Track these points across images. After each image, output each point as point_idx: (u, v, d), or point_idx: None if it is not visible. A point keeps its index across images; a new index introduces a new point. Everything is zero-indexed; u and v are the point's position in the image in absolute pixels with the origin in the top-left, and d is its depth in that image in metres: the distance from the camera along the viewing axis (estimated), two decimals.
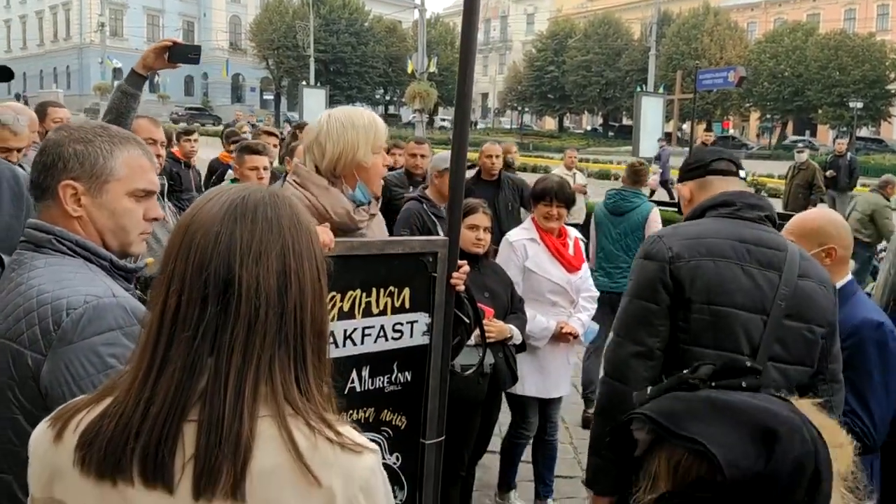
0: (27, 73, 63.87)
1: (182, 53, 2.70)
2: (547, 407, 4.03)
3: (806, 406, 0.98)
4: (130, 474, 0.97)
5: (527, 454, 4.15)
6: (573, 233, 4.10)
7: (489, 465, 4.31)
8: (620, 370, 2.18)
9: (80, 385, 1.37)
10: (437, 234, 3.76)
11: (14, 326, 1.44)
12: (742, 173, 2.38)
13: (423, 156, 5.61)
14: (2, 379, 1.46)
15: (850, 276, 2.61)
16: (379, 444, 2.19)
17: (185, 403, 0.98)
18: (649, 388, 1.03)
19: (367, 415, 2.28)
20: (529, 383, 3.78)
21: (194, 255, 1.00)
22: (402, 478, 2.39)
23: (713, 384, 1.00)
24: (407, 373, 2.36)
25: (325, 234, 2.04)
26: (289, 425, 0.98)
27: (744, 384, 1.00)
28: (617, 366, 2.20)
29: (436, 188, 4.45)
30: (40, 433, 1.06)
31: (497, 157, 5.84)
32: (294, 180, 2.35)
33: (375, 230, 2.50)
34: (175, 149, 6.83)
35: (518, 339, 3.53)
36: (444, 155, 5.00)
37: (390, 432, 2.35)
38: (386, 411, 2.33)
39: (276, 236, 1.03)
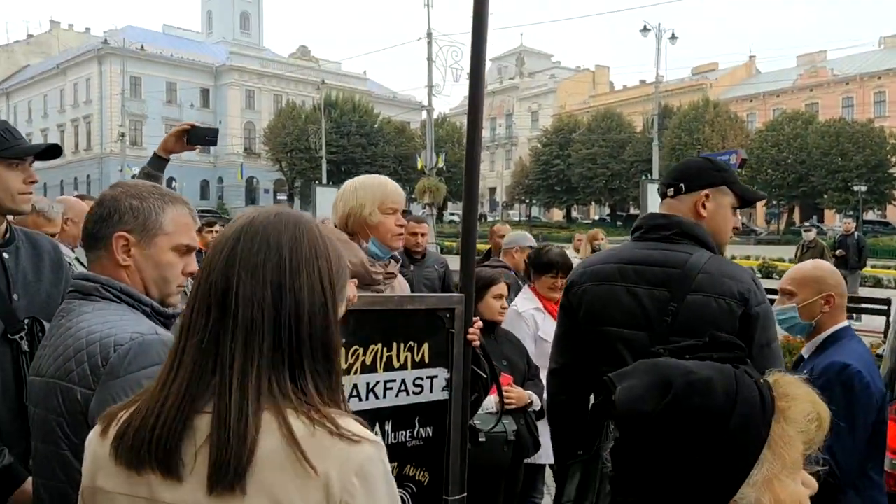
0: (48, 183, 65.51)
1: (200, 136, 2.86)
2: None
3: (787, 379, 1.06)
4: (149, 464, 1.07)
5: None
6: None
7: None
8: (547, 383, 2.60)
9: None
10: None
11: (64, 366, 1.54)
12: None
13: (423, 234, 5.74)
14: (51, 416, 1.55)
15: (845, 323, 2.69)
16: (403, 501, 2.22)
17: (192, 400, 1.08)
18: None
19: (391, 470, 2.32)
20: (548, 450, 3.78)
21: (205, 270, 1.14)
22: None
23: (688, 356, 1.08)
24: (428, 428, 2.40)
25: (351, 289, 2.15)
26: (287, 417, 1.05)
27: (714, 356, 1.08)
28: (546, 379, 2.61)
29: (513, 261, 5.21)
30: (93, 431, 1.17)
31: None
32: None
33: (398, 291, 2.63)
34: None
35: (537, 405, 3.56)
36: (516, 235, 5.74)
37: (413, 488, 2.38)
38: (409, 466, 2.37)
39: (273, 252, 1.12)
